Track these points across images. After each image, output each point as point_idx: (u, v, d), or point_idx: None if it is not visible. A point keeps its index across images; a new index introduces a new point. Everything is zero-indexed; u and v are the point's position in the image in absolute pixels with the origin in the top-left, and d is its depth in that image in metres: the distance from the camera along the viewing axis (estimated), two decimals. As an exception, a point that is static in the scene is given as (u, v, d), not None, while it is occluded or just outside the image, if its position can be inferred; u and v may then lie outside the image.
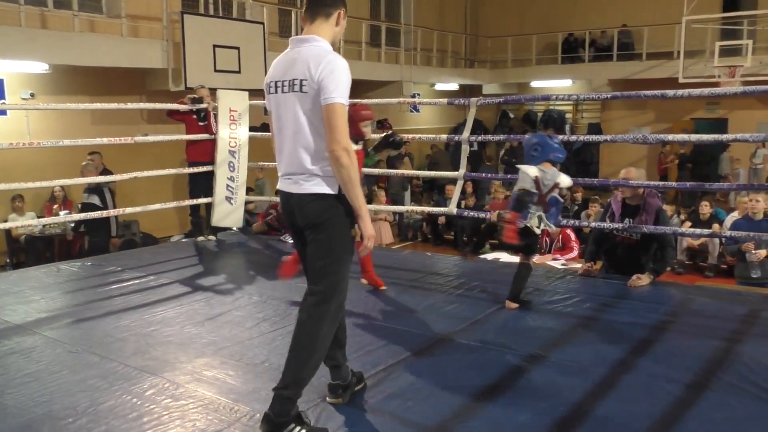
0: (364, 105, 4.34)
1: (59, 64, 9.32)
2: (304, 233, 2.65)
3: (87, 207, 7.47)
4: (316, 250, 2.59)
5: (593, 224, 4.81)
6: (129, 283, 4.94)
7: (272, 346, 3.57)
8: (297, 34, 2.73)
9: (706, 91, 4.53)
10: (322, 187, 2.55)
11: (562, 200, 4.32)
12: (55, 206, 8.98)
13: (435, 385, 3.02)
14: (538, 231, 4.09)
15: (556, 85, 17.82)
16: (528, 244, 4.14)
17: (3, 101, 9.05)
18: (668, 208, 9.52)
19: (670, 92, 4.65)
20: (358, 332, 3.73)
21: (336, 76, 2.46)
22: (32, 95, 9.26)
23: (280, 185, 2.69)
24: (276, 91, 2.61)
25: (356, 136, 4.04)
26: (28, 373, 3.20)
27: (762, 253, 5.90)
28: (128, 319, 4.05)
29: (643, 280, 4.59)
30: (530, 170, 3.99)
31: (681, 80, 13.46)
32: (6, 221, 8.09)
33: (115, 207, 7.41)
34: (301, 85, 2.50)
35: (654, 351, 3.48)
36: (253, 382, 3.10)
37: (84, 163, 7.91)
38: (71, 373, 3.21)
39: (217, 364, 3.34)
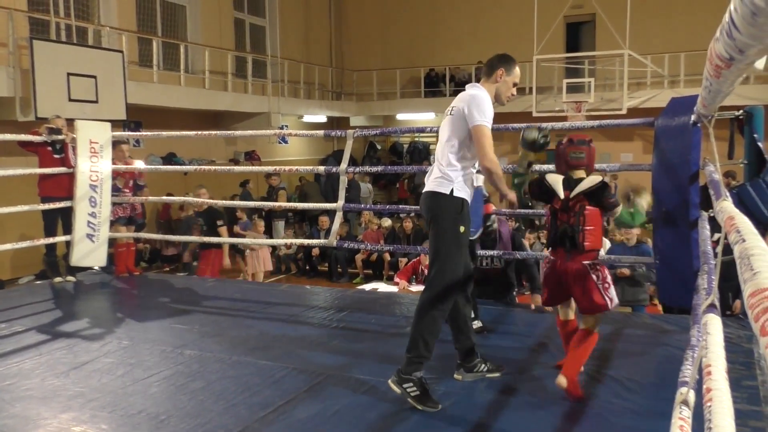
0: None
1: None
2: None
3: None
4: (430, 243, 3.26)
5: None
6: (-24, 333, 4.43)
7: (148, 394, 3.33)
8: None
9: (567, 124, 4.87)
10: (437, 187, 3.21)
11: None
12: None
13: (327, 424, 2.94)
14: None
15: (420, 117, 18.45)
16: None
17: None
18: (530, 236, 10.10)
19: (544, 125, 4.92)
20: (243, 373, 3.58)
21: (479, 106, 3.18)
22: None
23: None
24: (445, 116, 3.39)
25: None
26: None
27: (625, 271, 6.33)
28: (-23, 374, 3.62)
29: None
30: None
31: (534, 114, 14.43)
32: None
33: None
34: (451, 111, 3.30)
35: (533, 372, 3.61)
36: (131, 435, 2.87)
37: None
38: None
39: (87, 417, 3.06)
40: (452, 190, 3.17)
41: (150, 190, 7.69)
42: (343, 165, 5.46)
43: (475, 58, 17.48)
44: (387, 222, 11.27)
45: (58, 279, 6.07)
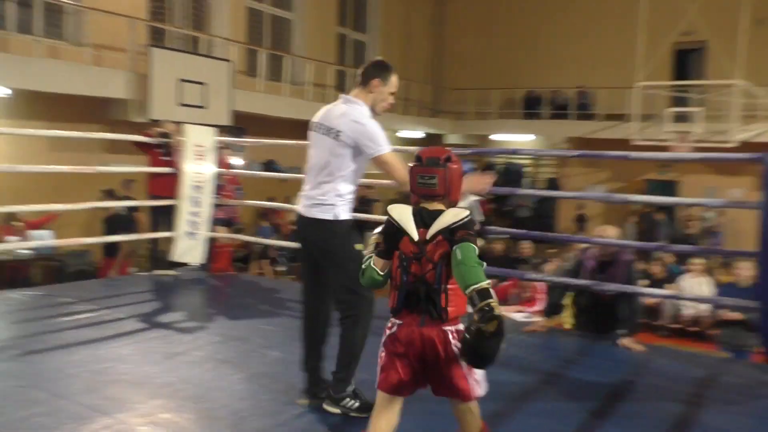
0: None
1: (18, 89, 9.10)
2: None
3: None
4: (332, 271, 3.20)
5: (568, 281, 4.80)
6: (82, 315, 4.73)
7: (232, 390, 3.45)
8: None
9: (670, 155, 4.71)
10: (321, 213, 3.10)
11: None
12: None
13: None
14: None
15: (516, 139, 18.23)
16: None
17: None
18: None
19: (633, 154, 4.81)
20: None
21: (372, 136, 3.06)
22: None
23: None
24: (316, 131, 3.20)
25: None
26: (-30, 409, 3.01)
27: (736, 315, 5.90)
28: (80, 355, 3.87)
29: (633, 344, 4.50)
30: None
31: (635, 143, 13.93)
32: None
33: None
34: (338, 136, 3.08)
35: (617, 413, 3.47)
36: (210, 428, 2.99)
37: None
38: (16, 410, 3.03)
39: (174, 406, 3.21)
40: (335, 215, 3.10)
41: (250, 195, 7.99)
42: (435, 182, 5.47)
43: (575, 82, 17.12)
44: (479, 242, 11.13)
45: (158, 271, 6.41)
